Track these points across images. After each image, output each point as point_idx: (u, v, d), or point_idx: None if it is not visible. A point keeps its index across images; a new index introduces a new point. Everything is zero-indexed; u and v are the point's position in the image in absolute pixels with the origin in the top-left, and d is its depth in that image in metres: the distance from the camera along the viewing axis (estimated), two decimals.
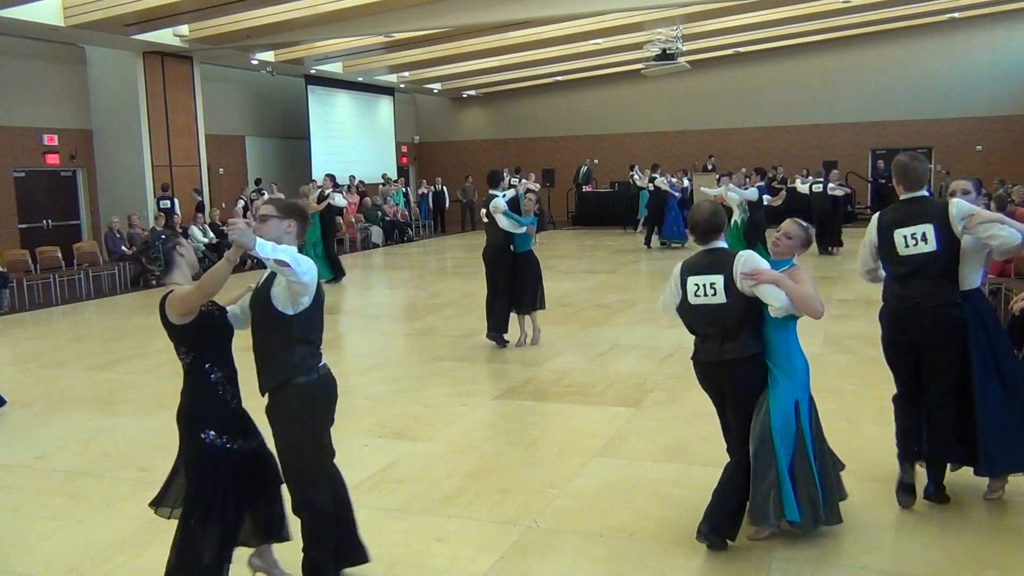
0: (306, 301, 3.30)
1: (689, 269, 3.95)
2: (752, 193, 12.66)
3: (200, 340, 3.45)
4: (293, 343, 3.34)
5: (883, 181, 21.98)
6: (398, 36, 17.38)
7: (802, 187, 16.92)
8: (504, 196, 8.25)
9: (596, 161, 24.74)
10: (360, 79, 22.64)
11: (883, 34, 22.68)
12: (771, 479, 3.80)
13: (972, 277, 4.17)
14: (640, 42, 19.10)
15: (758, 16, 18.71)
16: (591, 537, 4.08)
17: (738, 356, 3.82)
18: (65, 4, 13.50)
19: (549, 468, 5.05)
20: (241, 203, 17.65)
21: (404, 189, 23.48)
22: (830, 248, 15.91)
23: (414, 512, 4.45)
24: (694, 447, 5.40)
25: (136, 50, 15.99)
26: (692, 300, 3.90)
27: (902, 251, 4.13)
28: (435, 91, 26.05)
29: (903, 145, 23.34)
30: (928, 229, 4.06)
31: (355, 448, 5.47)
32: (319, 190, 13.98)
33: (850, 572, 3.68)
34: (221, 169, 19.59)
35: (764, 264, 3.82)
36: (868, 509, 4.31)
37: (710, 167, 22.82)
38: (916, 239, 4.08)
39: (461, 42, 18.97)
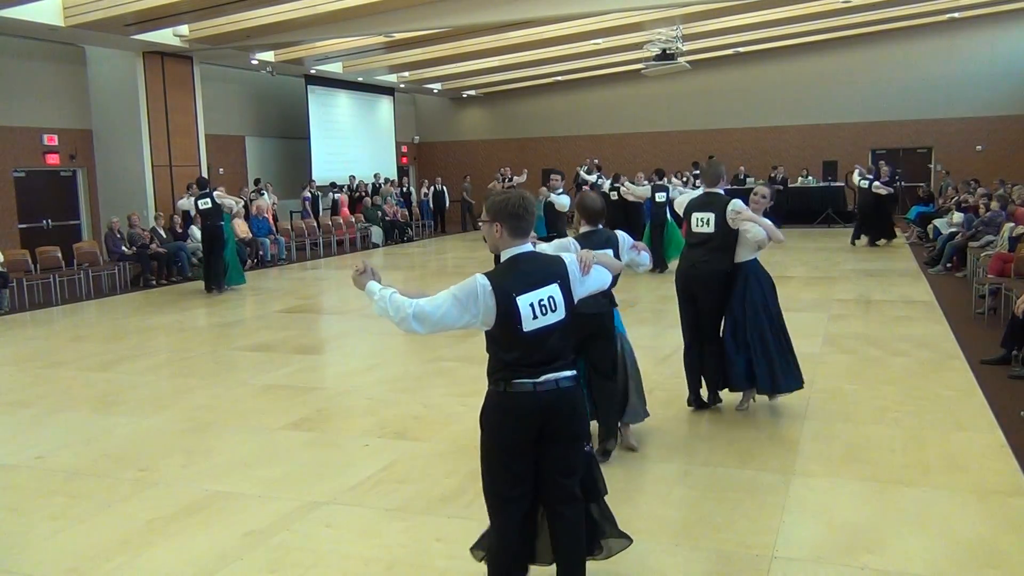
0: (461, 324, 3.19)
1: (585, 241, 4.77)
2: (645, 191, 13.79)
3: None
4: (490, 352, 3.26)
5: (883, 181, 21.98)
6: (398, 36, 17.37)
7: (860, 181, 17.36)
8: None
9: (596, 161, 24.71)
10: (360, 79, 22.63)
11: (883, 34, 22.68)
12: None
13: (744, 252, 5.79)
14: (640, 42, 19.09)
15: (758, 16, 18.70)
16: None
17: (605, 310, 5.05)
18: (65, 4, 13.48)
19: None
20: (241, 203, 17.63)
21: (399, 189, 23.48)
22: (877, 241, 16.93)
23: (414, 512, 4.45)
24: (694, 447, 5.40)
25: (136, 50, 15.98)
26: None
27: (694, 228, 5.82)
28: (435, 91, 26.04)
29: (903, 145, 23.45)
30: (711, 216, 5.69)
31: (355, 448, 5.48)
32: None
33: (850, 572, 3.67)
34: (221, 169, 19.58)
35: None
36: (868, 509, 4.32)
37: None
38: (702, 222, 5.73)
39: (461, 42, 18.96)
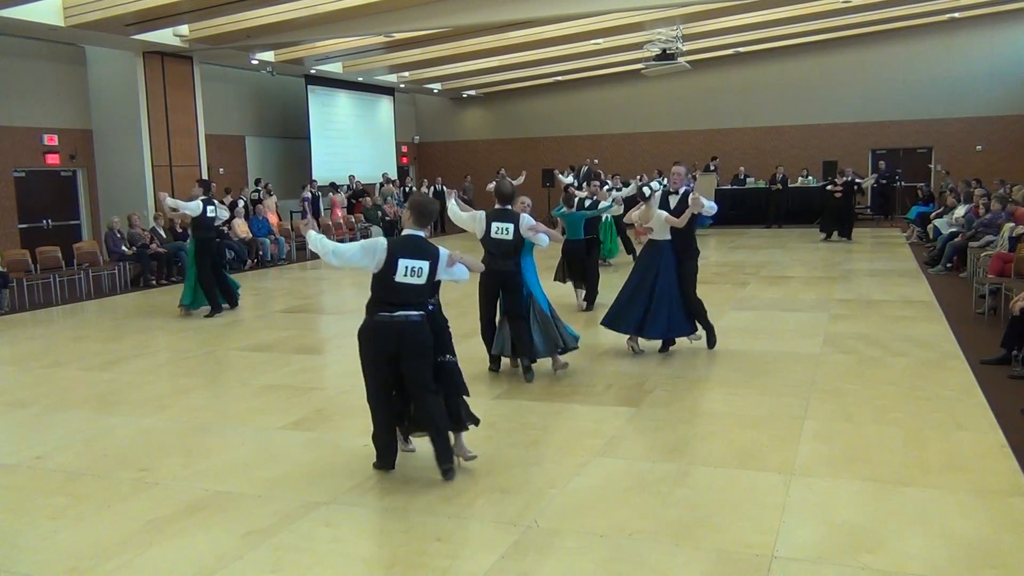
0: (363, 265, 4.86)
1: (493, 216, 6.98)
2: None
3: None
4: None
5: (884, 181, 22.00)
6: (398, 36, 17.37)
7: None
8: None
9: (596, 161, 24.73)
10: (360, 79, 22.63)
11: (883, 34, 22.68)
12: (553, 324, 7.18)
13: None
14: (640, 42, 19.09)
15: (758, 16, 18.70)
16: (591, 537, 4.08)
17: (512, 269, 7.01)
18: (65, 4, 13.49)
19: (549, 468, 5.05)
20: (241, 202, 17.65)
21: (401, 189, 23.50)
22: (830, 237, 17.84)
23: (414, 512, 4.45)
24: (694, 447, 5.40)
25: (136, 50, 15.99)
26: (492, 235, 6.95)
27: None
28: (435, 91, 26.04)
29: (903, 145, 23.45)
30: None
31: (355, 448, 5.47)
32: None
33: (850, 572, 3.67)
34: (221, 169, 19.59)
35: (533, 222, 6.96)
36: (868, 509, 4.32)
37: (712, 167, 22.84)
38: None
39: (461, 42, 18.96)
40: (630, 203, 15.45)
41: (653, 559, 3.85)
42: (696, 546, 3.94)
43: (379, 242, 4.78)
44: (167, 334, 9.94)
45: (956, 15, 21.27)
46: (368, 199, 21.44)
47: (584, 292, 10.50)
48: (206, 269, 11.09)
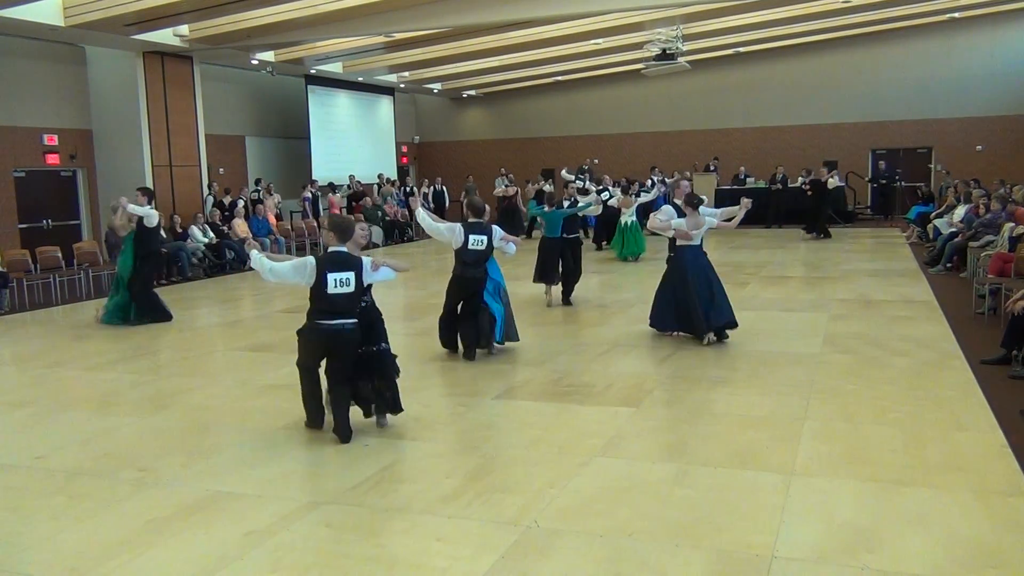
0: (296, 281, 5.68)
1: (469, 228, 7.68)
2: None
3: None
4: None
5: (883, 181, 22.00)
6: (398, 36, 17.36)
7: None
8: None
9: (596, 161, 24.74)
10: (360, 79, 22.63)
11: (883, 34, 22.67)
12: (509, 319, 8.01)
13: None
14: (640, 42, 19.09)
15: (758, 16, 18.70)
16: (591, 537, 4.08)
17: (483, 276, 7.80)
18: (65, 4, 13.48)
19: (549, 468, 5.05)
20: (241, 202, 17.66)
21: (401, 189, 23.49)
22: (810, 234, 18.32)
23: (414, 512, 4.45)
24: (694, 447, 5.40)
25: (136, 50, 15.99)
26: (470, 247, 7.62)
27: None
28: (435, 91, 26.04)
29: (903, 145, 23.45)
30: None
31: (355, 448, 5.48)
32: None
33: (850, 572, 3.67)
34: (221, 169, 19.59)
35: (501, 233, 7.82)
36: (868, 509, 4.32)
37: (712, 167, 22.84)
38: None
39: (461, 42, 18.95)
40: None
41: (653, 559, 3.85)
42: (696, 546, 3.94)
43: (308, 260, 5.56)
44: (167, 334, 9.94)
45: (956, 15, 21.26)
46: (368, 199, 21.44)
47: (552, 288, 10.94)
48: (151, 284, 10.78)
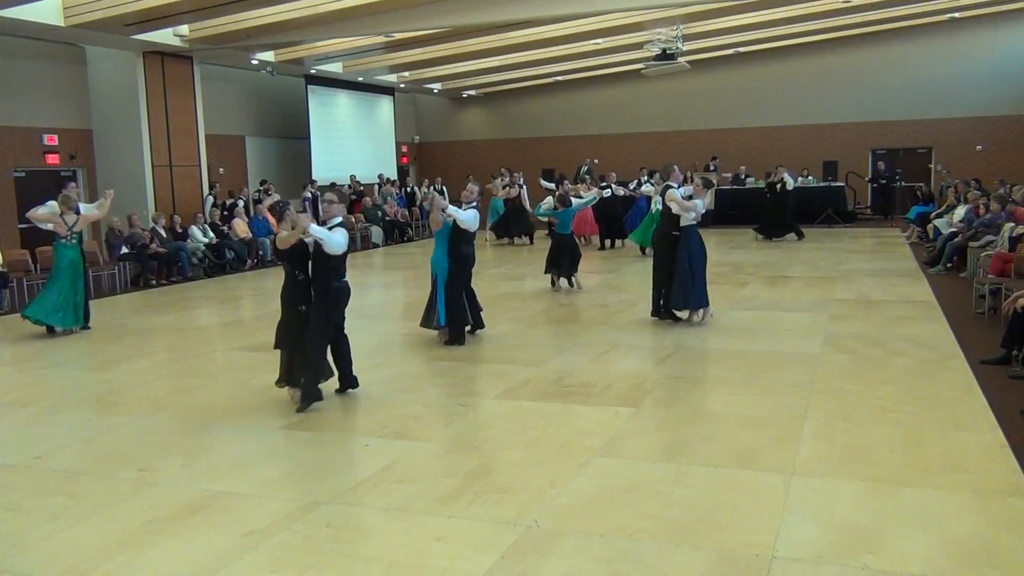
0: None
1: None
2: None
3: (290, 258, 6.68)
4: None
5: (883, 181, 21.99)
6: (398, 36, 17.35)
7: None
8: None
9: (596, 161, 24.73)
10: (360, 79, 22.62)
11: (883, 34, 22.67)
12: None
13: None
14: (640, 42, 19.08)
15: (758, 16, 18.69)
16: (591, 537, 4.08)
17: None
18: (65, 4, 13.47)
19: (549, 468, 5.05)
20: (241, 202, 17.65)
21: (401, 189, 23.49)
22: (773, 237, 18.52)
23: (414, 512, 4.45)
24: (694, 447, 5.40)
25: (136, 50, 15.98)
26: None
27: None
28: (435, 91, 26.03)
29: (903, 145, 23.44)
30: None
31: (355, 448, 5.48)
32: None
33: (850, 572, 3.67)
34: (221, 169, 19.58)
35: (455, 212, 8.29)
36: (868, 509, 4.32)
37: (712, 167, 22.83)
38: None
39: (461, 42, 18.94)
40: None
41: (653, 559, 3.85)
42: (696, 546, 3.94)
43: (345, 230, 6.46)
44: (167, 334, 9.94)
45: (956, 15, 21.25)
46: (368, 199, 21.43)
47: (564, 279, 11.94)
48: (88, 283, 10.46)
